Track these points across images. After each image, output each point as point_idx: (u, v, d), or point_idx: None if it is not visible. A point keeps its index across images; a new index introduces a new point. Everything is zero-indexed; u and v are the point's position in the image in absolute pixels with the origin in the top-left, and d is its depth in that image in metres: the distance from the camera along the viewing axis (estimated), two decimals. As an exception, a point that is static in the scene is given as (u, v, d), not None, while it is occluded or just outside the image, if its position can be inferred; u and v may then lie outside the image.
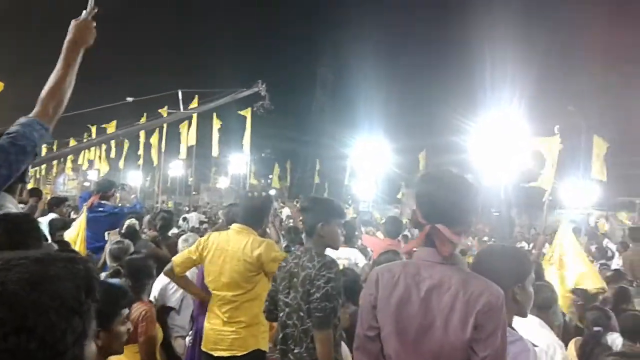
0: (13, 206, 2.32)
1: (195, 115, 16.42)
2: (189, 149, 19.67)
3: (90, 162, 27.92)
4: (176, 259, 3.48)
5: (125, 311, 2.09)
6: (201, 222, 13.14)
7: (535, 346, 1.97)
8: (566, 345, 3.31)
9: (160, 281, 4.06)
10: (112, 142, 22.56)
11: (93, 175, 27.12)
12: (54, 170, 35.49)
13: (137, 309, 3.02)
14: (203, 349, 3.37)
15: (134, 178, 26.61)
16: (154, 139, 20.67)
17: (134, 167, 26.91)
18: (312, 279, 2.61)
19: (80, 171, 34.00)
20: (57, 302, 0.81)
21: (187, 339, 4.02)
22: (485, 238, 13.63)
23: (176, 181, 34.59)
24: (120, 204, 6.03)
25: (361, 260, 5.04)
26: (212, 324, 3.35)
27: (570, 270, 4.82)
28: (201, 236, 4.02)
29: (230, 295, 3.29)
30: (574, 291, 4.66)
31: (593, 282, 4.71)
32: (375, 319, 1.83)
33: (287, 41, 62.57)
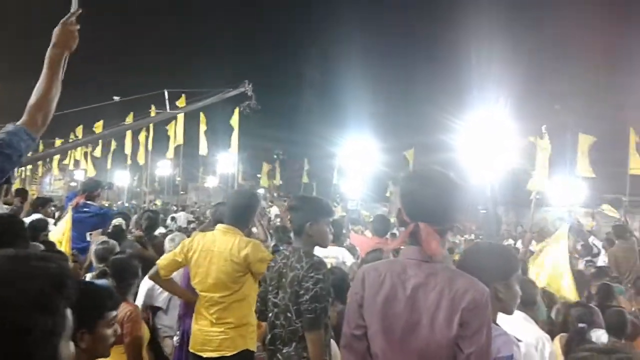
0: None
1: (182, 115, 16.31)
2: (177, 148, 19.55)
3: (77, 162, 27.65)
4: (161, 262, 3.44)
5: (112, 313, 2.02)
6: (189, 222, 13.05)
7: (520, 341, 1.98)
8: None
9: (147, 282, 4.03)
10: (99, 142, 22.42)
11: (80, 175, 26.83)
12: (40, 170, 35.08)
13: (122, 310, 2.99)
14: (191, 350, 3.35)
15: (122, 178, 26.42)
16: (141, 138, 20.54)
17: (121, 167, 26.71)
18: (300, 280, 2.62)
19: (67, 171, 33.63)
20: (23, 300, 0.79)
21: (175, 339, 3.99)
22: (472, 236, 13.72)
23: (164, 181, 34.34)
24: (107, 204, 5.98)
25: (349, 259, 5.04)
26: (200, 325, 3.33)
27: (546, 271, 4.82)
28: (189, 236, 3.99)
29: (218, 297, 3.27)
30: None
31: (566, 291, 4.66)
32: (362, 317, 1.83)
33: (273, 41, 62.71)
